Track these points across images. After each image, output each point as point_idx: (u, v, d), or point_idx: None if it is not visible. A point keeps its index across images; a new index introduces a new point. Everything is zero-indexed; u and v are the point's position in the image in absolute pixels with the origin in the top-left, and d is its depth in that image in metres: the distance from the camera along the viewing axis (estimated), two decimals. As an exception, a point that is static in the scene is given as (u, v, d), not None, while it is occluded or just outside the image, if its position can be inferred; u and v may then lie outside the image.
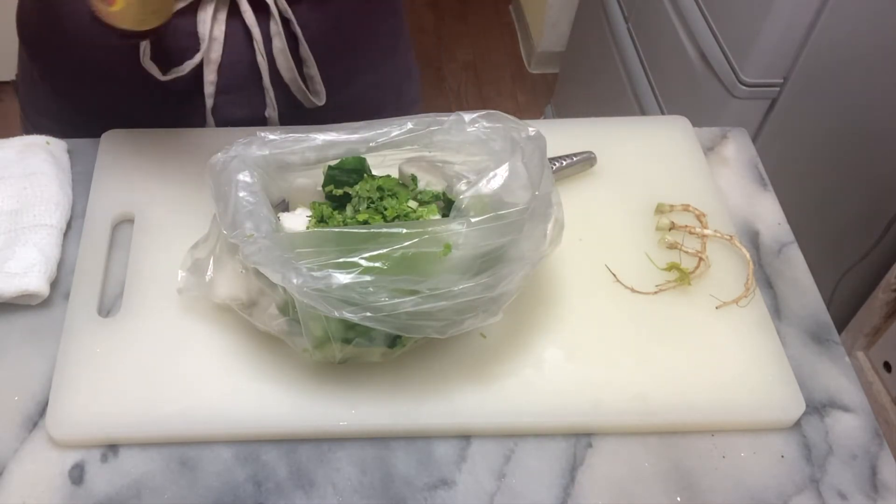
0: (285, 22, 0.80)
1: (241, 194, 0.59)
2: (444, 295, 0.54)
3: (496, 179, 0.61)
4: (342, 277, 0.54)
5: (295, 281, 0.54)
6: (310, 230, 0.58)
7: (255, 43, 0.79)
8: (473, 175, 0.65)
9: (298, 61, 0.82)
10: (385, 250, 0.54)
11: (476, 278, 0.55)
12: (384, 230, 0.55)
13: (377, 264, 0.54)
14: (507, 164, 0.61)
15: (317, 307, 0.54)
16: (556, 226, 0.58)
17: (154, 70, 0.77)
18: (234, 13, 0.78)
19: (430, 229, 0.56)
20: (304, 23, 0.80)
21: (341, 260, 0.54)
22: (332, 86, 0.85)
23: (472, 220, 0.56)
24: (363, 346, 0.59)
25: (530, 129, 0.63)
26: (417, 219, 0.63)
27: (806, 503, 0.61)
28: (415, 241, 0.55)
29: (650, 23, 1.50)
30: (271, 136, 0.63)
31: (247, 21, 0.78)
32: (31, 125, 0.92)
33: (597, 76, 1.81)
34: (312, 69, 0.83)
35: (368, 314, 0.54)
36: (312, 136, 0.64)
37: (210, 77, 0.80)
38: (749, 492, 0.61)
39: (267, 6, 0.78)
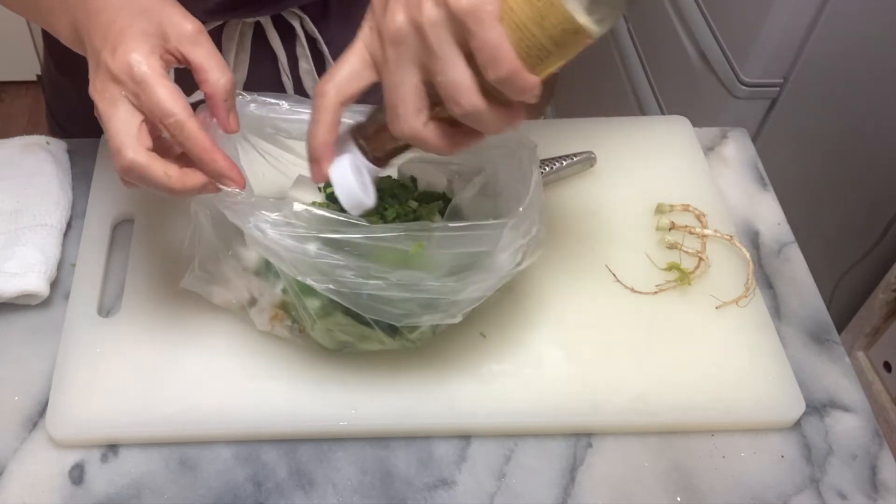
0: (311, 41, 0.79)
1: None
2: (409, 288, 0.55)
3: (493, 186, 0.61)
4: (315, 246, 0.54)
5: (271, 233, 0.54)
6: (298, 206, 0.58)
7: (279, 64, 0.79)
8: (473, 174, 0.65)
9: None
10: (360, 236, 0.54)
11: (444, 279, 0.55)
12: (364, 223, 0.56)
13: (348, 248, 0.55)
14: (506, 174, 0.61)
15: (284, 267, 0.55)
16: (533, 242, 0.58)
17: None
18: (260, 35, 0.78)
19: (406, 225, 0.56)
20: (331, 39, 0.80)
21: (319, 235, 0.55)
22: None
23: (450, 224, 0.56)
24: (354, 325, 0.59)
25: (528, 140, 0.62)
26: (417, 219, 0.63)
27: (806, 503, 0.61)
28: (391, 234, 0.55)
29: (650, 23, 1.50)
30: (271, 100, 0.62)
31: (272, 44, 0.78)
32: (59, 124, 0.92)
33: (597, 76, 1.81)
34: None
35: (332, 286, 0.54)
36: (307, 111, 0.63)
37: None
38: (749, 492, 0.61)
39: (293, 28, 0.78)
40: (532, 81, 0.46)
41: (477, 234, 0.56)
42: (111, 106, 0.51)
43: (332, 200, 0.66)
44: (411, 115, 0.48)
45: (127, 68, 0.50)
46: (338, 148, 0.54)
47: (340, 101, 0.52)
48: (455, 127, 0.49)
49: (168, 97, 0.51)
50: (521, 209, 0.56)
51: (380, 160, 0.55)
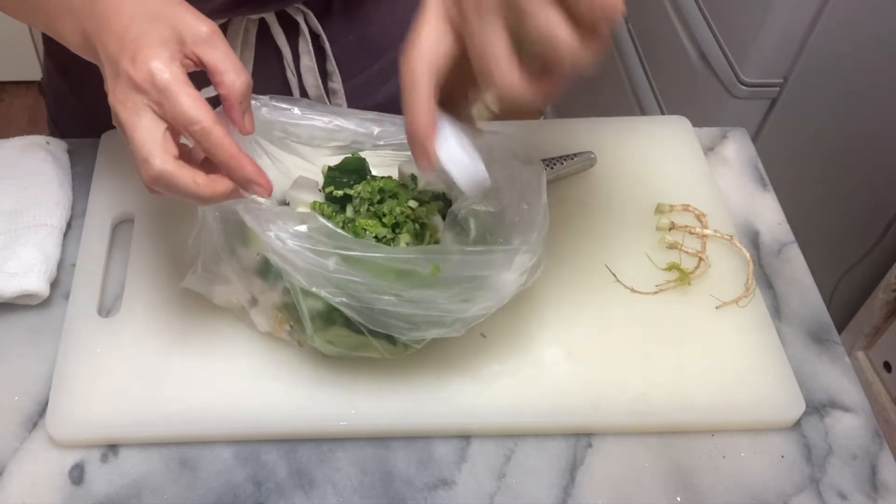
0: (314, 37, 0.79)
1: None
2: (420, 305, 0.55)
3: (498, 202, 0.61)
4: (333, 262, 0.55)
5: (291, 244, 0.54)
6: (320, 223, 0.58)
7: (285, 61, 0.79)
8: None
9: (324, 75, 0.82)
10: (379, 255, 0.54)
11: (452, 299, 0.56)
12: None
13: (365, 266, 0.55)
14: (512, 192, 0.61)
15: (300, 278, 0.55)
16: (537, 262, 0.58)
17: None
18: (265, 32, 0.78)
19: (424, 248, 0.56)
20: (333, 36, 0.80)
21: (338, 251, 0.55)
22: (360, 95, 0.85)
23: (466, 248, 0.57)
24: (354, 336, 0.59)
25: (535, 159, 0.62)
26: (417, 219, 0.63)
27: (806, 503, 0.61)
28: (408, 255, 0.55)
29: (650, 23, 1.50)
30: (282, 105, 0.62)
31: (277, 42, 0.78)
32: (59, 130, 0.92)
33: (597, 76, 1.81)
34: (337, 83, 0.82)
35: (344, 300, 0.55)
36: (318, 117, 0.63)
37: None
38: (749, 492, 0.61)
39: (297, 24, 0.78)
40: (618, 1, 0.44)
41: (490, 258, 0.57)
42: (134, 115, 0.51)
43: (331, 200, 0.66)
44: (506, 72, 0.46)
45: (149, 77, 0.50)
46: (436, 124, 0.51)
47: (430, 73, 0.49)
48: (541, 74, 0.47)
49: (192, 104, 0.50)
50: (534, 235, 0.57)
51: (473, 123, 0.52)
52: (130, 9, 0.52)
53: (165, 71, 0.50)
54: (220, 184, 0.52)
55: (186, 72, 0.52)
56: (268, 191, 0.54)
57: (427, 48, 0.49)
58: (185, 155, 0.53)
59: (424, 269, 0.55)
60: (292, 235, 0.54)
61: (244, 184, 0.53)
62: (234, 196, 0.54)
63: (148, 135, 0.50)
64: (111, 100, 0.52)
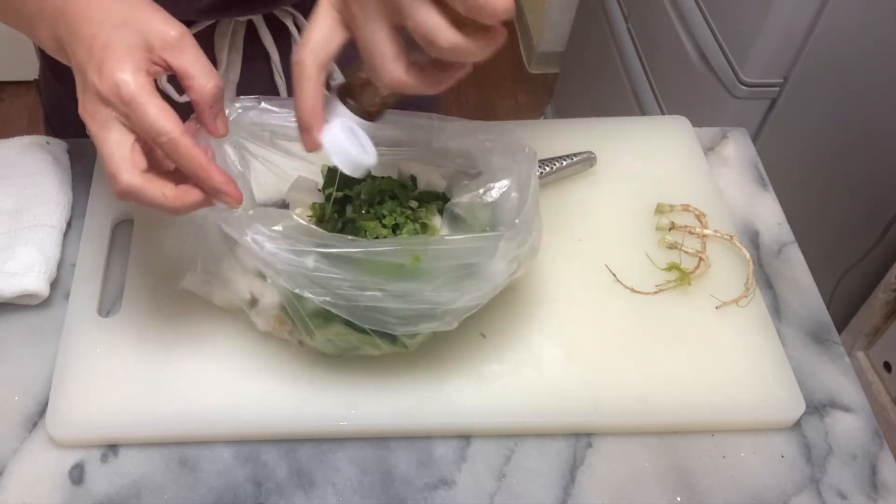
0: None
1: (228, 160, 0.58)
2: (406, 299, 0.55)
3: (492, 192, 0.61)
4: (313, 260, 0.54)
5: (268, 246, 0.54)
6: (295, 222, 0.58)
7: (272, 63, 0.79)
8: (473, 176, 0.65)
9: None
10: (357, 250, 0.54)
11: (440, 290, 0.55)
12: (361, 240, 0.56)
13: (344, 260, 0.55)
14: (505, 181, 0.61)
15: (281, 281, 0.55)
16: (528, 251, 0.58)
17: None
18: (253, 35, 0.78)
19: (403, 239, 0.56)
20: None
21: (316, 249, 0.54)
22: None
23: (446, 237, 0.56)
24: (354, 334, 0.59)
25: (527, 148, 0.62)
26: (417, 219, 0.63)
27: (806, 503, 0.61)
28: (388, 248, 0.55)
29: (650, 23, 1.50)
30: (271, 107, 0.62)
31: (265, 43, 0.78)
32: (54, 130, 0.91)
33: (597, 76, 1.81)
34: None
35: (328, 298, 0.55)
36: None
37: (228, 95, 0.80)
38: (749, 492, 0.61)
39: (285, 26, 0.77)
40: (503, 2, 0.44)
41: (473, 246, 0.56)
42: (102, 128, 0.51)
43: (332, 176, 0.66)
44: (390, 65, 0.48)
45: (115, 89, 0.50)
46: (328, 113, 0.54)
47: (318, 66, 0.51)
48: (439, 65, 0.49)
49: (159, 116, 0.50)
50: (517, 221, 0.57)
51: (372, 114, 0.55)
52: (99, 15, 0.52)
53: (131, 83, 0.50)
54: (189, 195, 0.52)
55: (156, 78, 0.52)
56: (237, 200, 0.53)
57: (316, 43, 0.51)
58: (157, 164, 0.53)
59: (404, 260, 0.55)
60: (268, 237, 0.54)
61: (213, 193, 0.53)
62: (206, 205, 0.54)
63: (116, 148, 0.50)
64: (81, 111, 0.52)
